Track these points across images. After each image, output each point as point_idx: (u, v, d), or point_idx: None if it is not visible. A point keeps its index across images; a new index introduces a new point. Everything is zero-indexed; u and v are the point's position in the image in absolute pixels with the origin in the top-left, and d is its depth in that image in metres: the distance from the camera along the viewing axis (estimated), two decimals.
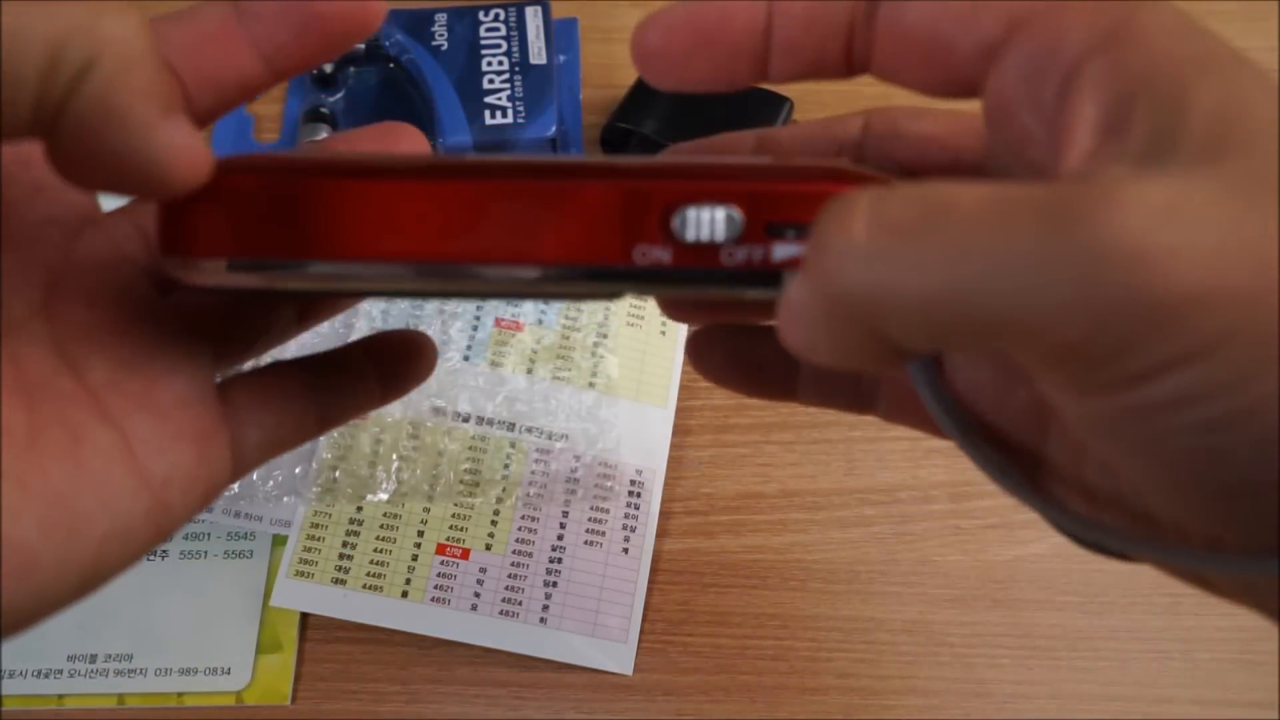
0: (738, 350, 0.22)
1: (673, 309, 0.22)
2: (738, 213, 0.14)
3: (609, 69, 0.52)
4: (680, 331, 0.45)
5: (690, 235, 0.14)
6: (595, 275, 0.15)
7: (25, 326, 0.16)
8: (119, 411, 0.16)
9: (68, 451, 0.15)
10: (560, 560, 0.41)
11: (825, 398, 0.22)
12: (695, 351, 0.22)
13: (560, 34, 0.52)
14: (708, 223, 0.14)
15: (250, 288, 0.16)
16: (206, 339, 0.19)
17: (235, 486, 0.40)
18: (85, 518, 0.15)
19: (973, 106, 0.16)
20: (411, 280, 0.15)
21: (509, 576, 0.40)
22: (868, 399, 0.21)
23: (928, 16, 0.15)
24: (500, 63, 0.48)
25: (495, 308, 0.45)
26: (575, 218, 0.14)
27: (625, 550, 0.41)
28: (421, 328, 0.44)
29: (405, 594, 0.40)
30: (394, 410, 0.42)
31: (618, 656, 0.39)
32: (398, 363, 0.23)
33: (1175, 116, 0.12)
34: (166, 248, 0.16)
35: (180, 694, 0.38)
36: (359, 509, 0.41)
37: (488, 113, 0.47)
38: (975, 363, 0.19)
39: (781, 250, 0.14)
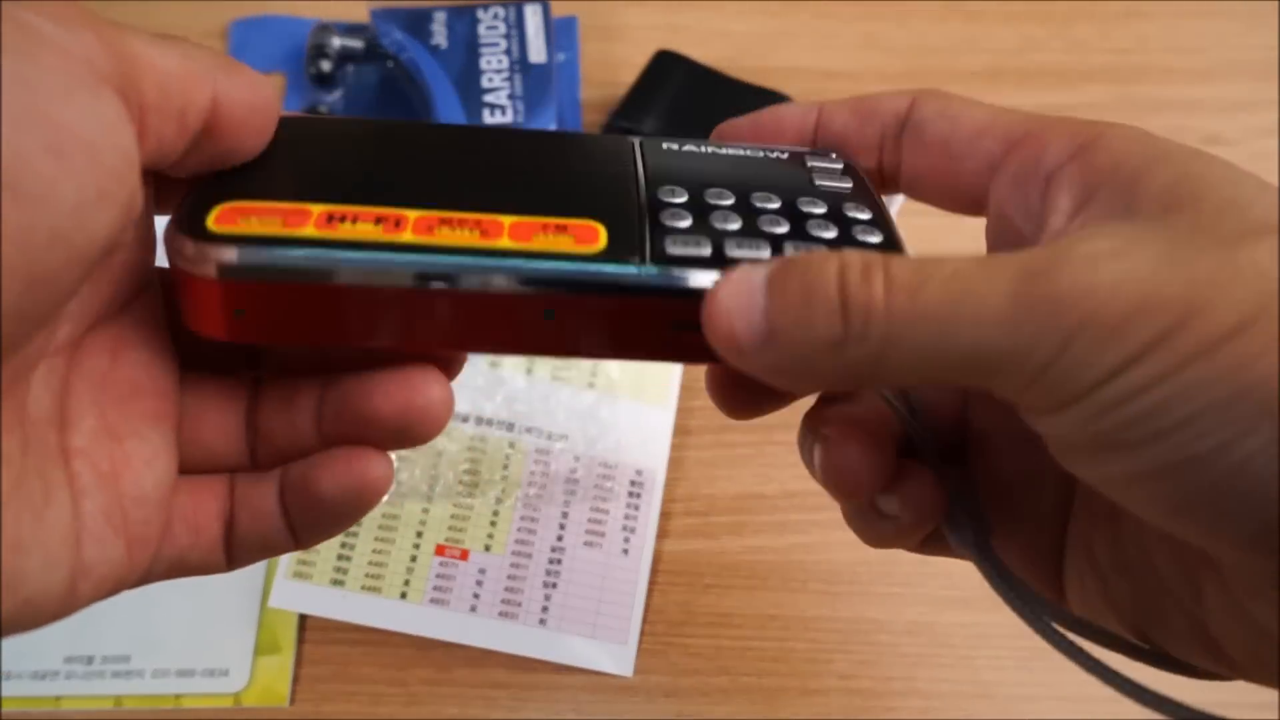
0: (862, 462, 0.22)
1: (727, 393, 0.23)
2: None
3: (609, 68, 0.52)
4: None
5: None
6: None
7: (51, 357, 0.16)
8: (83, 484, 0.16)
9: (37, 508, 0.15)
10: (560, 561, 0.40)
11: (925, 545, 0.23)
12: (717, 392, 0.22)
13: (560, 33, 0.52)
14: None
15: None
16: (195, 436, 0.18)
17: None
18: (20, 578, 0.15)
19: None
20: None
21: (508, 577, 0.40)
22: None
23: (943, 136, 0.19)
24: (499, 61, 0.48)
25: None
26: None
27: (625, 551, 0.41)
28: None
29: (404, 595, 0.39)
30: None
31: (618, 657, 0.39)
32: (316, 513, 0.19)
33: (1132, 193, 0.15)
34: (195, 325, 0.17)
35: (178, 696, 0.38)
36: None
37: (487, 111, 0.46)
38: (1004, 464, 0.21)
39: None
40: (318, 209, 0.17)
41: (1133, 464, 0.14)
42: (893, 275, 0.15)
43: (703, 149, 0.20)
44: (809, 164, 0.20)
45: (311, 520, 0.19)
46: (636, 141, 0.19)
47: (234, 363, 0.19)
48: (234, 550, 0.19)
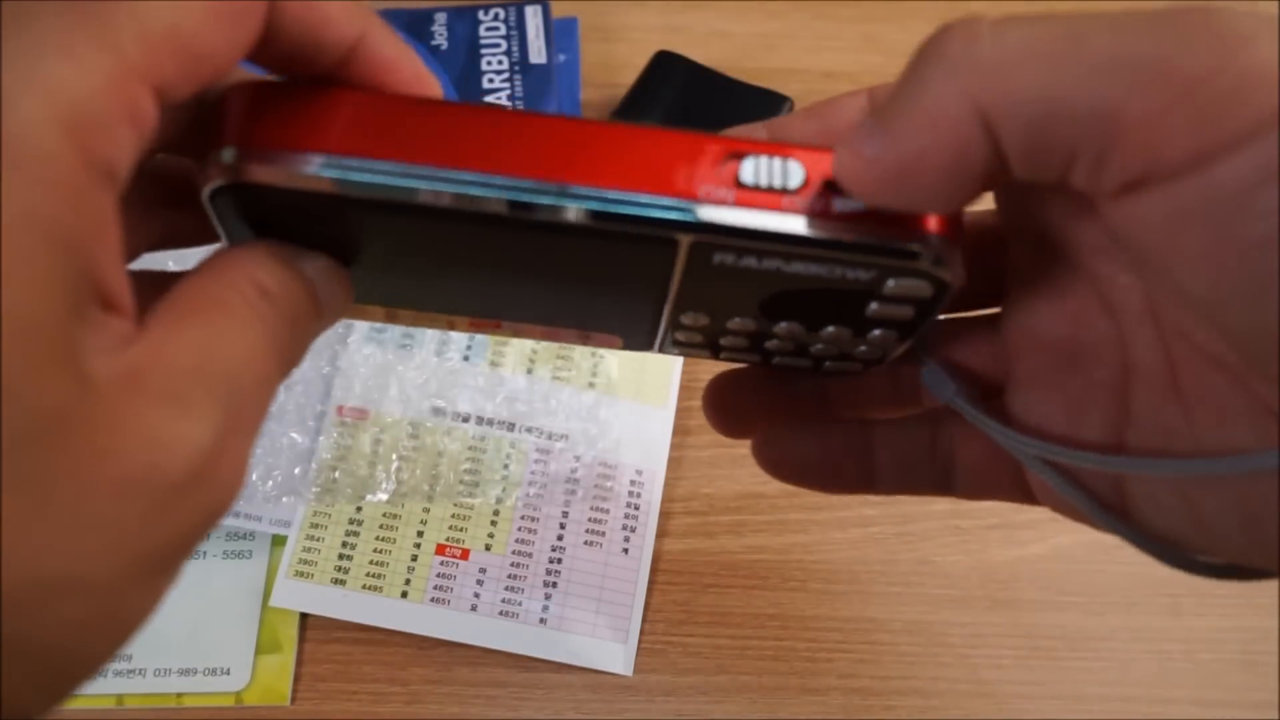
0: (810, 451, 0.22)
1: (733, 416, 0.23)
2: (799, 166, 0.15)
3: (609, 69, 0.52)
4: None
5: (752, 179, 0.15)
6: (660, 212, 0.15)
7: None
8: None
9: None
10: (560, 560, 0.41)
11: (905, 483, 0.22)
12: (766, 457, 0.22)
13: (560, 34, 0.52)
14: (767, 170, 0.15)
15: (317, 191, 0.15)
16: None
17: None
18: None
19: None
20: (494, 200, 0.15)
21: (509, 577, 0.40)
22: (946, 480, 0.21)
23: None
24: (500, 62, 0.48)
25: None
26: (651, 155, 0.15)
27: (625, 550, 0.41)
28: (423, 331, 0.44)
29: (405, 594, 0.39)
30: (394, 410, 0.42)
31: (618, 657, 0.39)
32: None
33: None
34: (243, 138, 0.15)
35: (179, 694, 0.38)
36: (358, 509, 0.41)
37: None
38: (1046, 395, 0.19)
39: (841, 204, 0.15)
40: None
41: (1237, 265, 0.13)
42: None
43: (762, 264, 0.16)
44: (885, 285, 0.16)
45: None
46: (686, 244, 0.15)
47: None
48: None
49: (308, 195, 0.15)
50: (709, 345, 0.20)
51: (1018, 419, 0.19)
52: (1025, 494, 0.20)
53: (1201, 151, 0.12)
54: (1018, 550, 0.42)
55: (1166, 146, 0.12)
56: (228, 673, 0.38)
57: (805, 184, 0.15)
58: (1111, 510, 0.18)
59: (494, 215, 0.15)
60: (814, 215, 0.15)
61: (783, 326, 0.18)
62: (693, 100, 0.48)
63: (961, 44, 0.13)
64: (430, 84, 0.16)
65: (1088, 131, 0.13)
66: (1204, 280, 0.13)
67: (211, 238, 0.17)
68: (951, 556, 0.42)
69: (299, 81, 0.15)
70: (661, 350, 0.20)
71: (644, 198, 0.15)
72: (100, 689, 0.38)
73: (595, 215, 0.15)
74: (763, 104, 0.48)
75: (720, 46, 0.53)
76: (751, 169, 0.15)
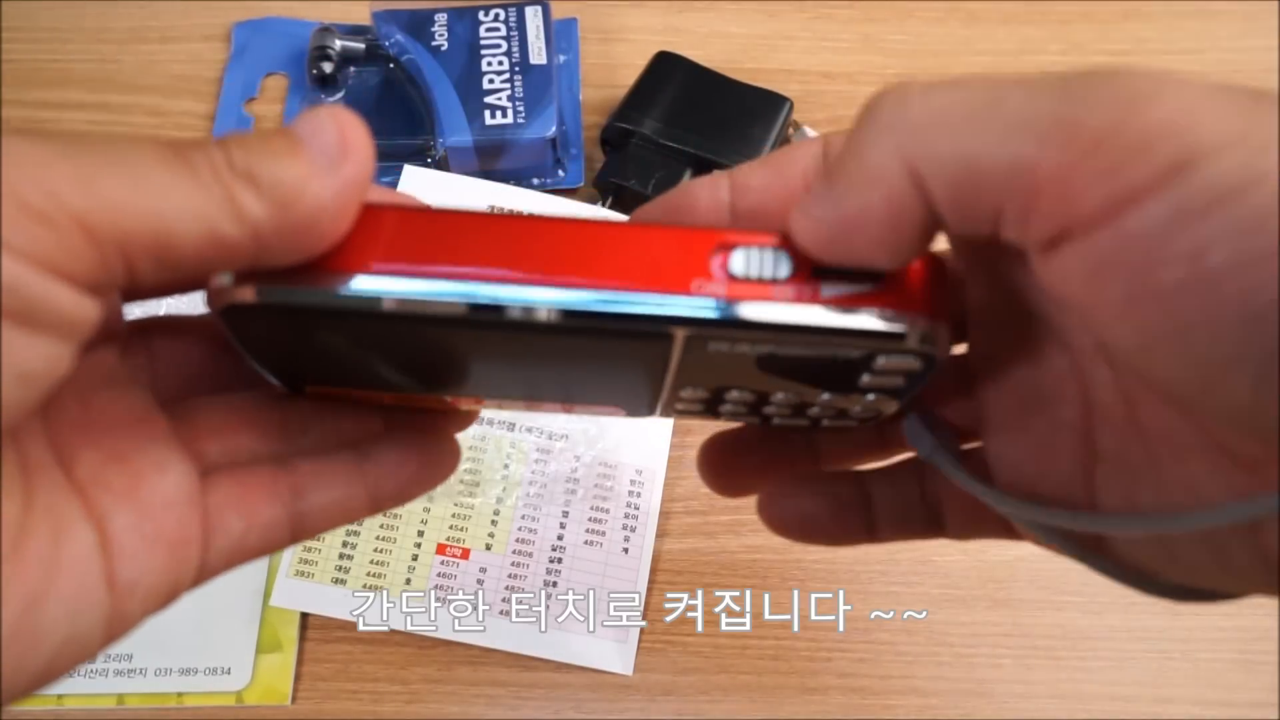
0: (813, 509, 0.22)
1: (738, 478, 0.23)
2: (787, 255, 0.16)
3: (609, 69, 0.52)
4: None
5: (742, 270, 0.15)
6: (655, 309, 0.15)
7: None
8: (102, 507, 0.16)
9: (49, 553, 0.15)
10: (560, 560, 0.41)
11: (903, 530, 0.22)
12: (773, 520, 0.22)
13: (560, 34, 0.52)
14: (758, 262, 0.16)
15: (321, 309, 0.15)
16: (203, 439, 0.18)
17: None
18: (48, 627, 0.15)
19: None
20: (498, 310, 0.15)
21: (509, 576, 0.40)
22: (939, 523, 0.22)
23: None
24: (500, 63, 0.48)
25: None
26: (643, 253, 0.16)
27: (625, 550, 0.41)
28: None
29: (405, 594, 0.39)
30: None
31: (618, 656, 0.39)
32: (404, 464, 0.20)
33: None
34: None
35: (180, 694, 0.38)
36: None
37: (488, 113, 0.47)
38: (1016, 437, 0.19)
39: (829, 290, 0.16)
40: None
41: (1162, 315, 0.13)
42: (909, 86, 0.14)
43: (756, 349, 0.16)
44: (875, 361, 0.17)
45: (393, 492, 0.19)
46: (681, 338, 0.16)
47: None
48: (306, 522, 0.19)
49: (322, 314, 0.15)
50: (709, 411, 0.20)
51: (994, 463, 0.20)
52: (1011, 532, 0.21)
53: (1112, 203, 0.13)
54: (1017, 550, 0.42)
55: (1079, 200, 0.13)
56: (228, 672, 0.38)
57: (794, 272, 0.16)
58: (1089, 549, 0.18)
59: (502, 321, 0.15)
60: (803, 303, 0.15)
61: (780, 396, 0.19)
62: (693, 100, 0.48)
63: (894, 106, 0.14)
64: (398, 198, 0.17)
65: (1008, 188, 0.13)
66: (1127, 331, 0.14)
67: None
68: (951, 556, 0.42)
69: None
70: (662, 416, 0.21)
71: (637, 297, 0.15)
72: (101, 688, 0.38)
73: (590, 315, 0.15)
74: (762, 104, 0.48)
75: (720, 47, 0.53)
76: (742, 261, 0.16)
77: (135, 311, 0.18)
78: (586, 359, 0.17)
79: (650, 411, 0.20)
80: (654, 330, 0.16)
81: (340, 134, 0.14)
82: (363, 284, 0.15)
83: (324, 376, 0.19)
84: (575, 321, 0.15)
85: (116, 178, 0.13)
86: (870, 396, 0.18)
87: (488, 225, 0.15)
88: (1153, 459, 0.17)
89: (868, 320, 0.16)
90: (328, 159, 0.14)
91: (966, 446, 0.20)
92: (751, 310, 0.15)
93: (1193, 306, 0.12)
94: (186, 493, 0.17)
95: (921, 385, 0.18)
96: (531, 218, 0.16)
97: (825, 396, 0.18)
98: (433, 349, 0.17)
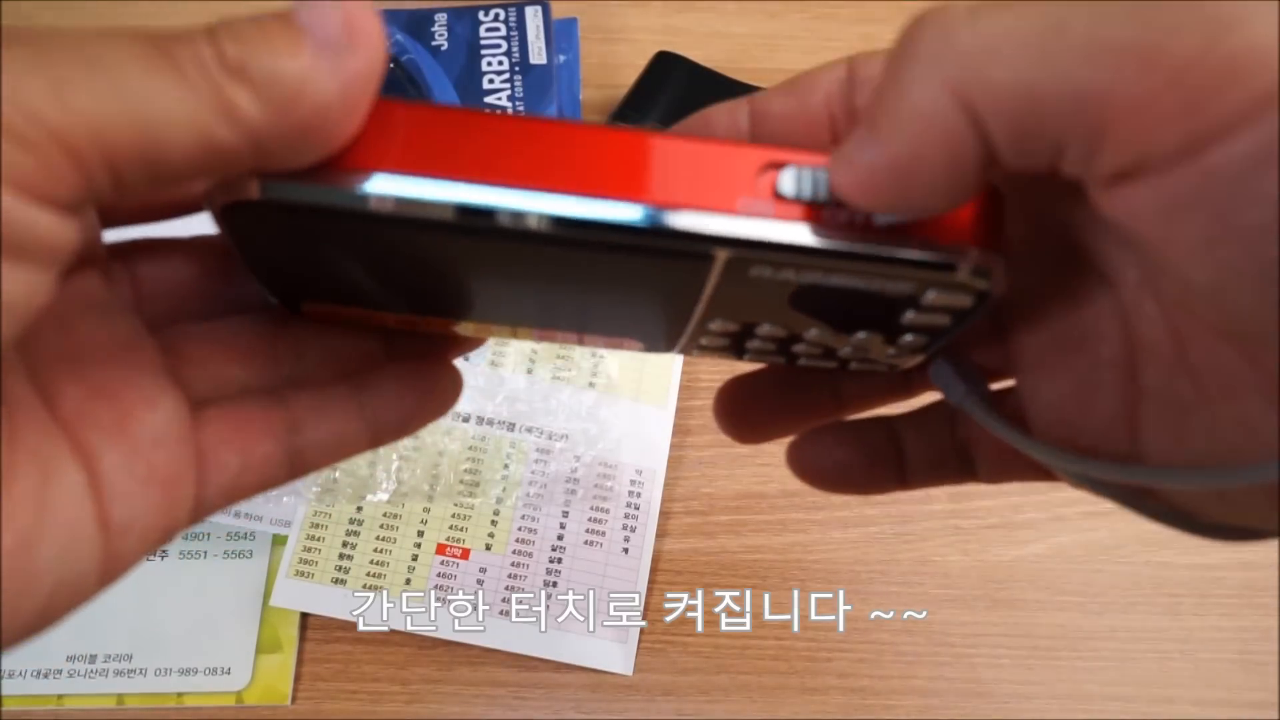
0: (845, 456, 0.22)
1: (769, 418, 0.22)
2: None
3: (609, 69, 0.52)
4: None
5: (792, 190, 0.14)
6: (701, 225, 0.14)
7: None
8: (91, 445, 0.15)
9: (36, 493, 0.14)
10: (560, 560, 0.41)
11: (935, 475, 0.22)
12: (805, 469, 0.22)
13: (560, 34, 0.52)
14: (810, 181, 0.14)
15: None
16: (193, 370, 0.17)
17: None
18: (41, 570, 0.14)
19: None
20: (524, 216, 0.14)
21: (509, 576, 0.40)
22: (970, 467, 0.21)
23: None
24: (500, 63, 0.48)
25: None
26: (686, 167, 0.14)
27: (625, 550, 0.41)
28: None
29: (405, 594, 0.39)
30: None
31: (618, 656, 0.39)
32: (403, 396, 0.19)
33: None
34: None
35: (180, 694, 0.38)
36: (359, 509, 0.41)
37: None
38: (1054, 376, 0.18)
39: (882, 217, 0.14)
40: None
41: (1239, 256, 0.12)
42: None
43: (800, 277, 0.15)
44: (925, 296, 0.16)
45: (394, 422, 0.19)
46: (722, 260, 0.15)
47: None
48: (304, 457, 0.18)
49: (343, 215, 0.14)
50: (734, 349, 0.19)
51: (1030, 404, 0.19)
52: (1045, 474, 0.20)
53: (1194, 138, 0.12)
54: (1017, 550, 0.42)
55: (1157, 134, 0.12)
56: (228, 672, 0.38)
57: None
58: (1130, 492, 0.18)
59: (531, 231, 0.14)
60: (855, 229, 0.14)
61: (814, 333, 0.18)
62: (693, 100, 0.48)
63: (938, 35, 0.13)
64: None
65: (1075, 121, 0.12)
66: (1204, 269, 0.13)
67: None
68: (951, 556, 0.42)
69: None
70: (683, 352, 0.19)
71: (678, 214, 0.14)
72: (100, 689, 0.38)
73: (625, 230, 0.14)
74: None
75: (720, 47, 0.53)
76: (791, 181, 0.14)
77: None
78: (613, 281, 0.16)
79: (670, 346, 0.19)
80: (693, 249, 0.14)
81: (347, 20, 0.13)
82: (380, 184, 0.13)
83: (325, 292, 0.17)
84: (608, 235, 0.14)
85: (94, 85, 0.12)
86: (909, 338, 0.17)
87: (521, 129, 0.14)
88: (1204, 397, 0.16)
89: (924, 251, 0.14)
90: (332, 50, 0.13)
91: (996, 387, 0.20)
92: (800, 233, 0.14)
93: (1274, 251, 0.12)
94: (178, 428, 0.16)
95: (967, 325, 0.17)
96: (568, 123, 0.14)
97: (861, 335, 0.17)
98: (445, 264, 0.16)
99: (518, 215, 0.14)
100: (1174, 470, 0.17)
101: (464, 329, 0.19)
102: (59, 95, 0.12)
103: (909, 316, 0.16)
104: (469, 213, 0.14)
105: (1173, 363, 0.16)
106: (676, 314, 0.17)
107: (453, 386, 0.20)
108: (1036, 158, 0.13)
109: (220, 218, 0.14)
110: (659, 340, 0.19)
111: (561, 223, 0.14)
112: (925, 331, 0.17)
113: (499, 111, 0.14)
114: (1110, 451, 0.18)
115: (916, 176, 0.13)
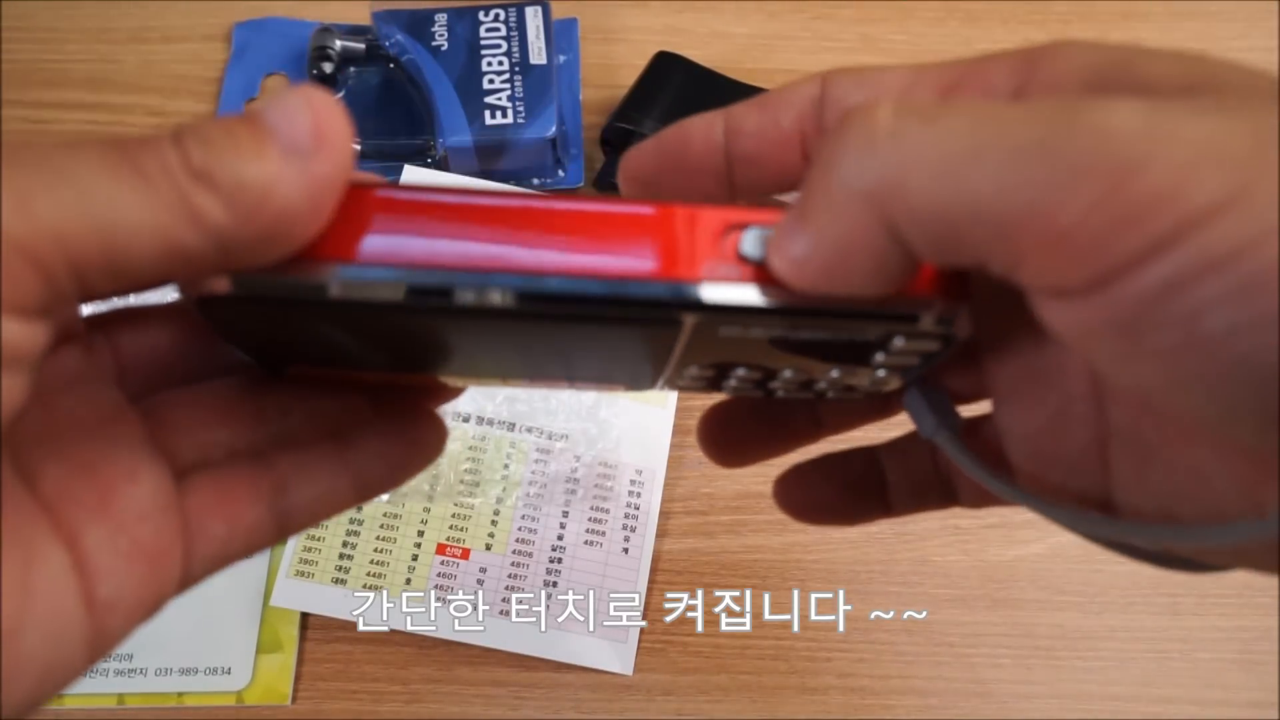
0: (829, 492, 0.22)
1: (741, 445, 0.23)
2: None
3: (609, 69, 0.52)
4: None
5: (755, 252, 0.14)
6: (666, 294, 0.14)
7: None
8: (73, 524, 0.15)
9: (19, 580, 0.14)
10: (560, 560, 0.41)
11: (919, 502, 0.22)
12: (790, 506, 0.22)
13: (560, 34, 0.52)
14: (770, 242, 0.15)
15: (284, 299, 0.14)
16: (177, 436, 0.17)
17: None
18: (27, 657, 0.14)
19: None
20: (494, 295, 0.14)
21: (509, 576, 0.40)
22: (952, 494, 0.22)
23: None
24: (500, 63, 0.48)
25: None
26: (649, 234, 0.14)
27: (625, 550, 0.41)
28: None
29: (405, 594, 0.40)
30: None
31: (618, 656, 0.39)
32: (389, 451, 0.19)
33: (1122, 85, 0.14)
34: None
35: (180, 694, 0.38)
36: (359, 508, 0.41)
37: (488, 113, 0.47)
38: (1028, 407, 0.19)
39: None
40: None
41: (1170, 371, 0.12)
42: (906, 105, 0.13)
43: (769, 332, 0.16)
44: (892, 343, 0.16)
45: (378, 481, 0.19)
46: (690, 324, 0.15)
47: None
48: (291, 519, 0.18)
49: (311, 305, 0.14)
50: (713, 387, 0.20)
51: (1006, 434, 0.19)
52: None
53: (1100, 274, 0.12)
54: (1016, 550, 0.42)
55: (1067, 270, 0.12)
56: (228, 672, 0.38)
57: None
58: (1099, 525, 0.18)
59: (498, 309, 0.14)
60: None
61: (788, 374, 0.18)
62: (693, 100, 0.48)
63: (862, 141, 0.13)
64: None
65: (991, 247, 0.13)
66: (1124, 378, 0.13)
67: None
68: (950, 556, 0.42)
69: None
70: (664, 390, 0.20)
71: (644, 285, 0.14)
72: (101, 688, 0.38)
73: (595, 302, 0.14)
74: None
75: (720, 47, 0.53)
76: (753, 243, 0.14)
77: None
78: (590, 342, 0.17)
79: (652, 386, 0.20)
80: (661, 317, 0.15)
81: (314, 121, 0.13)
82: (347, 274, 0.14)
83: (307, 358, 0.18)
84: (575, 309, 0.14)
85: (57, 194, 0.12)
86: (881, 373, 0.18)
87: (484, 210, 0.14)
88: (1164, 438, 0.16)
89: (886, 306, 0.15)
90: (299, 153, 0.13)
91: (973, 413, 0.20)
92: (765, 295, 0.14)
93: (1190, 366, 0.12)
94: (162, 501, 0.16)
95: (937, 363, 0.17)
96: (529, 197, 0.15)
97: (835, 373, 0.18)
98: (426, 334, 0.16)
99: (481, 293, 0.14)
100: (1130, 524, 0.17)
101: (452, 381, 0.20)
102: (22, 205, 0.12)
103: (879, 358, 0.17)
104: (437, 294, 0.14)
105: (1137, 404, 0.17)
106: (652, 366, 0.18)
107: (437, 437, 0.20)
108: (962, 264, 0.13)
109: (196, 308, 0.15)
110: (640, 383, 0.20)
111: (526, 298, 0.14)
112: (896, 369, 0.17)
113: (467, 187, 0.15)
114: (1083, 484, 0.18)
115: (845, 270, 0.14)
